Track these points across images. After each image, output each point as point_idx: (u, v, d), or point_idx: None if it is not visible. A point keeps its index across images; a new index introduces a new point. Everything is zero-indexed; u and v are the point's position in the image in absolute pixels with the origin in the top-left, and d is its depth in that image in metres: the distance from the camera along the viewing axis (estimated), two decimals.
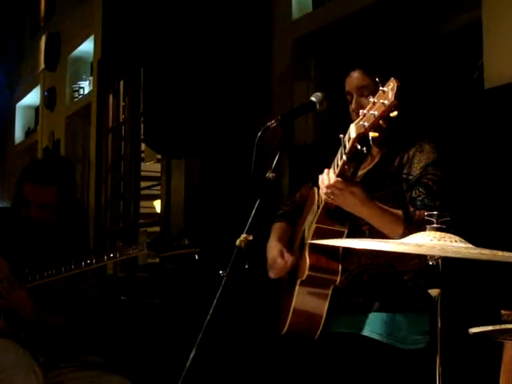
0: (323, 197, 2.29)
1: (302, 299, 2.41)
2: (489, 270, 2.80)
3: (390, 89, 1.94)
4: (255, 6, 4.60)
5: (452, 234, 1.78)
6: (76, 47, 8.12)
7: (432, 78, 3.85)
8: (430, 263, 1.81)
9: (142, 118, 5.81)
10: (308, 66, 4.51)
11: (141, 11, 5.03)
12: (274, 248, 2.61)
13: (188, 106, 4.42)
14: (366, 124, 2.02)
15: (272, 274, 2.60)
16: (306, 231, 2.52)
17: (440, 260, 1.80)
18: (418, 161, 2.40)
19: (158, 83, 4.68)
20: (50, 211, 3.03)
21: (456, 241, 1.74)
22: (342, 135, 2.16)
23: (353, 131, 2.08)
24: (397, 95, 1.92)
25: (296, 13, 4.52)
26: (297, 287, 2.42)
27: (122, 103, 6.80)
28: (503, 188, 3.10)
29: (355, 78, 2.48)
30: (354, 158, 2.32)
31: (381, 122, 1.99)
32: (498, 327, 1.97)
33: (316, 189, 2.47)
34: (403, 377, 2.36)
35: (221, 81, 4.38)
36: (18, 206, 3.07)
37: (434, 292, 1.83)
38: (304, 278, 2.38)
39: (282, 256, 2.55)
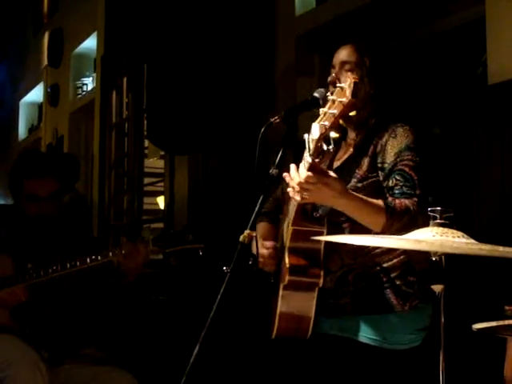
0: (296, 197, 2.14)
1: (287, 303, 2.31)
2: (492, 266, 2.80)
3: (347, 86, 1.86)
4: (258, 2, 4.60)
5: (455, 229, 1.78)
6: (79, 44, 8.13)
7: (435, 74, 3.85)
8: (433, 259, 1.81)
9: (146, 115, 5.81)
10: (311, 62, 4.51)
11: (144, 7, 5.03)
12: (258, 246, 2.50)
13: (191, 103, 4.42)
14: (326, 124, 1.93)
15: (266, 268, 2.51)
16: (284, 234, 2.41)
17: (443, 256, 1.80)
18: (392, 147, 2.28)
19: (161, 79, 4.68)
20: (56, 201, 3.05)
21: (458, 236, 1.74)
22: (306, 134, 2.06)
23: (315, 132, 1.98)
24: (354, 93, 1.83)
25: (299, 9, 4.52)
26: (280, 292, 2.32)
27: (125, 99, 6.80)
28: (507, 184, 3.10)
29: (342, 52, 2.41)
30: (324, 153, 2.17)
31: (340, 121, 1.91)
32: (501, 323, 1.96)
33: None
34: (399, 377, 2.31)
35: (224, 77, 4.38)
36: (21, 205, 3.06)
37: (437, 288, 1.83)
38: (286, 283, 2.28)
39: (264, 247, 2.47)
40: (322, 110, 1.98)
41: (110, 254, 2.83)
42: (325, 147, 1.98)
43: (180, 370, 2.02)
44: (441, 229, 1.77)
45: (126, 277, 2.93)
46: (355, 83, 1.84)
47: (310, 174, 2.05)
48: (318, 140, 1.98)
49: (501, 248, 1.72)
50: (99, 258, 2.82)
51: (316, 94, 2.36)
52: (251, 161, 2.26)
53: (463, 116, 3.58)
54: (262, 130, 2.22)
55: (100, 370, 2.95)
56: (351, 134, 2.42)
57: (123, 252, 2.82)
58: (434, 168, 2.38)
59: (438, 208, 1.80)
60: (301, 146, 2.56)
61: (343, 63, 2.39)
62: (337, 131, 1.94)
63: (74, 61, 8.37)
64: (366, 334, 2.32)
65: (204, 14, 4.43)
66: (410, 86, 3.52)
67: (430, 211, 1.80)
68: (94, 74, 7.76)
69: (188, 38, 4.42)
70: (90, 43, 7.78)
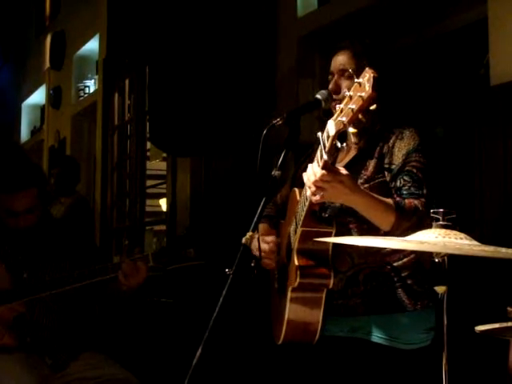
0: (313, 198, 2.12)
1: (295, 308, 2.30)
2: (495, 267, 2.80)
3: (365, 80, 1.84)
4: (260, 4, 4.60)
5: (458, 230, 1.78)
6: (81, 46, 8.14)
7: (438, 75, 3.85)
8: (436, 260, 1.80)
9: (148, 117, 5.82)
10: (313, 63, 4.50)
11: (146, 9, 5.04)
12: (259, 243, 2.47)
13: (193, 105, 4.43)
14: (344, 119, 1.91)
15: (267, 263, 2.49)
16: (292, 236, 2.39)
17: (446, 257, 1.80)
18: (399, 148, 2.30)
19: (163, 81, 4.69)
20: (37, 212, 2.95)
21: (461, 238, 1.74)
22: (319, 133, 2.05)
23: (332, 128, 1.97)
24: (374, 87, 1.81)
25: (301, 10, 4.52)
26: (288, 294, 2.30)
27: (127, 102, 6.82)
28: (509, 185, 3.09)
29: (340, 58, 2.40)
30: (338, 151, 2.17)
31: (360, 116, 1.88)
32: (504, 325, 1.96)
33: (297, 190, 2.38)
34: (410, 378, 2.30)
35: (226, 79, 4.39)
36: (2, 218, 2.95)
37: (440, 289, 1.82)
38: (296, 286, 2.26)
39: (264, 241, 2.46)
40: (338, 107, 1.97)
41: (111, 272, 2.78)
42: (339, 145, 1.98)
43: (183, 372, 2.02)
44: (443, 230, 1.77)
45: (125, 293, 2.88)
46: (374, 77, 1.81)
47: (324, 172, 2.04)
48: (334, 137, 1.97)
49: (503, 249, 1.71)
50: (98, 276, 2.76)
51: (318, 96, 2.36)
52: (253, 163, 2.26)
53: (466, 117, 3.58)
54: (264, 131, 2.21)
55: (104, 372, 2.94)
56: (353, 138, 2.37)
57: (123, 270, 2.75)
58: (437, 170, 2.38)
59: (441, 209, 1.80)
60: (303, 147, 2.55)
61: (342, 71, 2.38)
62: (355, 126, 1.93)
63: (76, 63, 8.38)
64: (378, 334, 2.31)
65: (206, 16, 4.43)
66: (413, 88, 3.52)
67: (433, 213, 1.80)
68: (96, 77, 7.77)
69: (190, 40, 4.42)
70: (92, 45, 7.79)
